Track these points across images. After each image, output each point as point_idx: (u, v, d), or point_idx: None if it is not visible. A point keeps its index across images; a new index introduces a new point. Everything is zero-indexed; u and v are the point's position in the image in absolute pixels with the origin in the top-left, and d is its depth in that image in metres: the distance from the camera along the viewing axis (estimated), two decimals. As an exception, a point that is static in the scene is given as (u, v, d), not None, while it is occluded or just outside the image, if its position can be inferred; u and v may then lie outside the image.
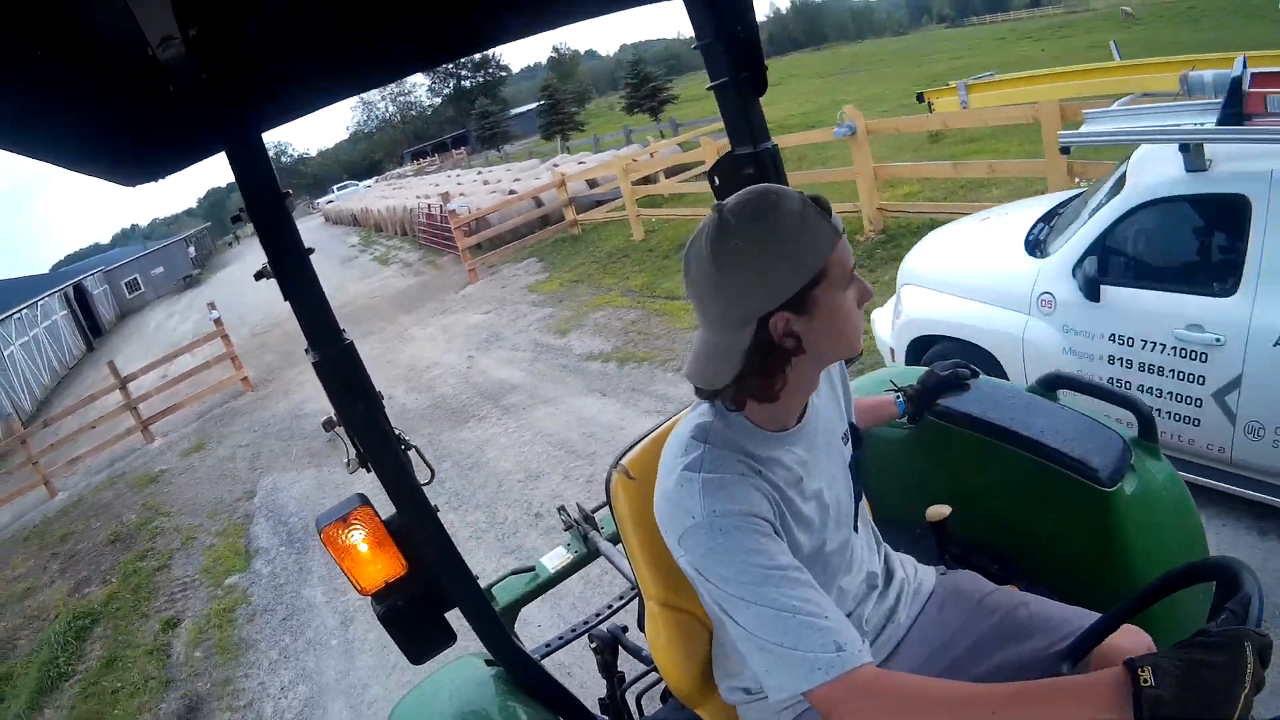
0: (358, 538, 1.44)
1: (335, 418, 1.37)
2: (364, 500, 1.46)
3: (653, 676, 2.03)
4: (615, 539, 2.25)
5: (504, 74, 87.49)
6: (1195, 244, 2.99)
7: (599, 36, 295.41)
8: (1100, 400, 1.73)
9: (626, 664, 1.96)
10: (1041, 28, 48.37)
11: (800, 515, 1.17)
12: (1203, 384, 2.89)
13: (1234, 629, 0.78)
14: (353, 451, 1.40)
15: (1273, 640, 0.76)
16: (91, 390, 13.39)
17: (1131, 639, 1.21)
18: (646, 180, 12.75)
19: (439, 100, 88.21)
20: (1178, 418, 3.01)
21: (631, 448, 1.46)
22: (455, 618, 1.56)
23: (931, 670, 1.29)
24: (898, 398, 1.77)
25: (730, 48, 1.64)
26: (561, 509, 2.50)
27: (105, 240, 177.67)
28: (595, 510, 2.44)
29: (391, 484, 1.41)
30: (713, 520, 1.05)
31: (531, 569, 2.35)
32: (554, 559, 2.37)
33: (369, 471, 1.39)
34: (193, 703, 4.25)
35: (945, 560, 1.63)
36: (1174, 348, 2.94)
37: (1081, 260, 3.11)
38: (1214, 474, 2.99)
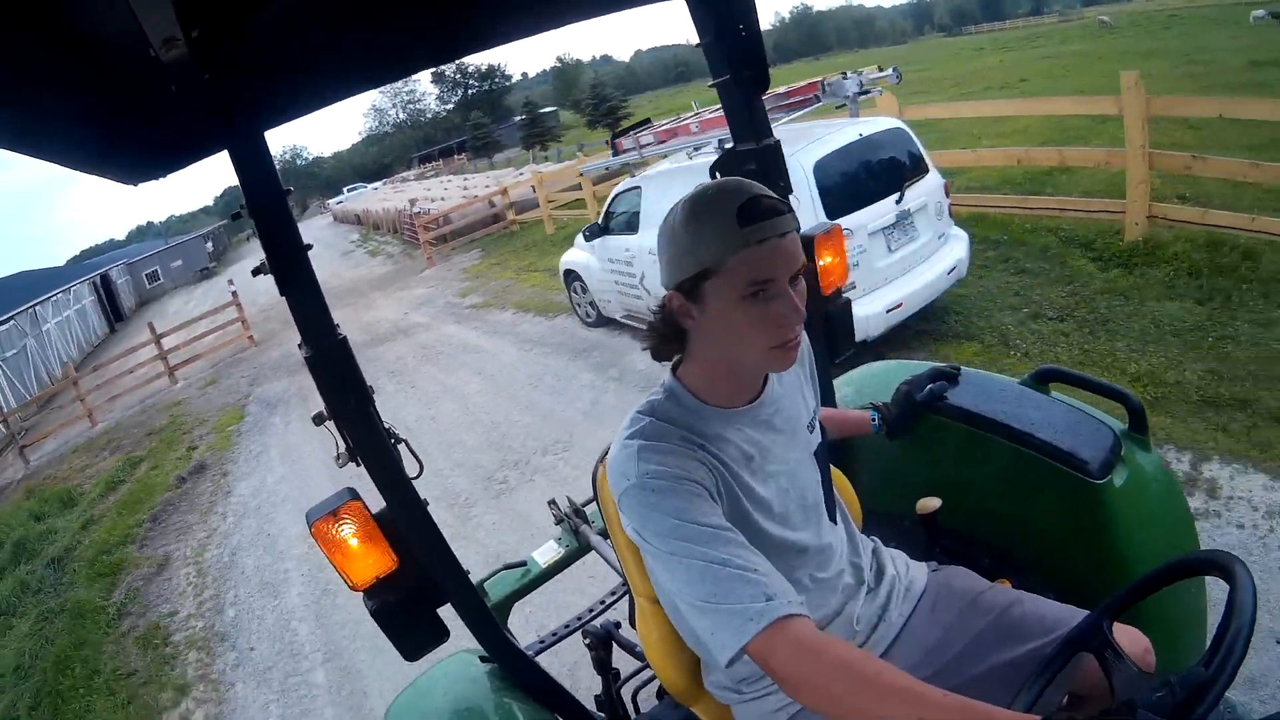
0: (348, 532, 1.42)
1: (326, 412, 1.36)
2: (354, 494, 1.44)
3: (648, 673, 2.01)
4: (606, 533, 2.19)
5: (508, 83, 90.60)
6: (635, 214, 6.19)
7: (614, 41, 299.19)
8: (1092, 393, 1.72)
9: (622, 661, 2.00)
10: (1020, 38, 50.86)
11: (755, 495, 1.20)
12: (640, 280, 6.24)
13: (1157, 706, 0.77)
14: (342, 445, 1.38)
15: None
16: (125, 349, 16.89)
17: (1129, 639, 1.18)
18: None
19: (449, 107, 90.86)
20: (634, 295, 6.43)
21: None
22: (450, 615, 1.55)
23: (926, 671, 1.26)
24: (874, 418, 1.74)
25: (732, 46, 1.66)
26: (552, 502, 2.50)
27: (121, 236, 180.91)
28: (585, 504, 2.43)
29: (381, 478, 1.40)
30: (644, 481, 1.08)
31: (523, 564, 2.34)
32: (545, 554, 2.36)
33: (358, 466, 1.38)
34: (201, 465, 7.93)
35: (935, 554, 1.63)
36: (624, 262, 6.35)
37: (594, 224, 6.72)
38: (641, 322, 6.68)
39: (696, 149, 5.43)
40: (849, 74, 5.29)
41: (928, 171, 5.02)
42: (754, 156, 1.74)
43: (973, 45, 51.67)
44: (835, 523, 1.37)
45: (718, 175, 1.66)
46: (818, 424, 1.38)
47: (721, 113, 5.67)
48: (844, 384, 2.13)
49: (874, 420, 1.74)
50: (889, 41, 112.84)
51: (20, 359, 23.07)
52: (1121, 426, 1.64)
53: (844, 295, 1.91)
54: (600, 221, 6.86)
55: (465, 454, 5.76)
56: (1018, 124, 10.82)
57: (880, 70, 5.32)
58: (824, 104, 5.36)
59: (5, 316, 23.27)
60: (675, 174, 5.79)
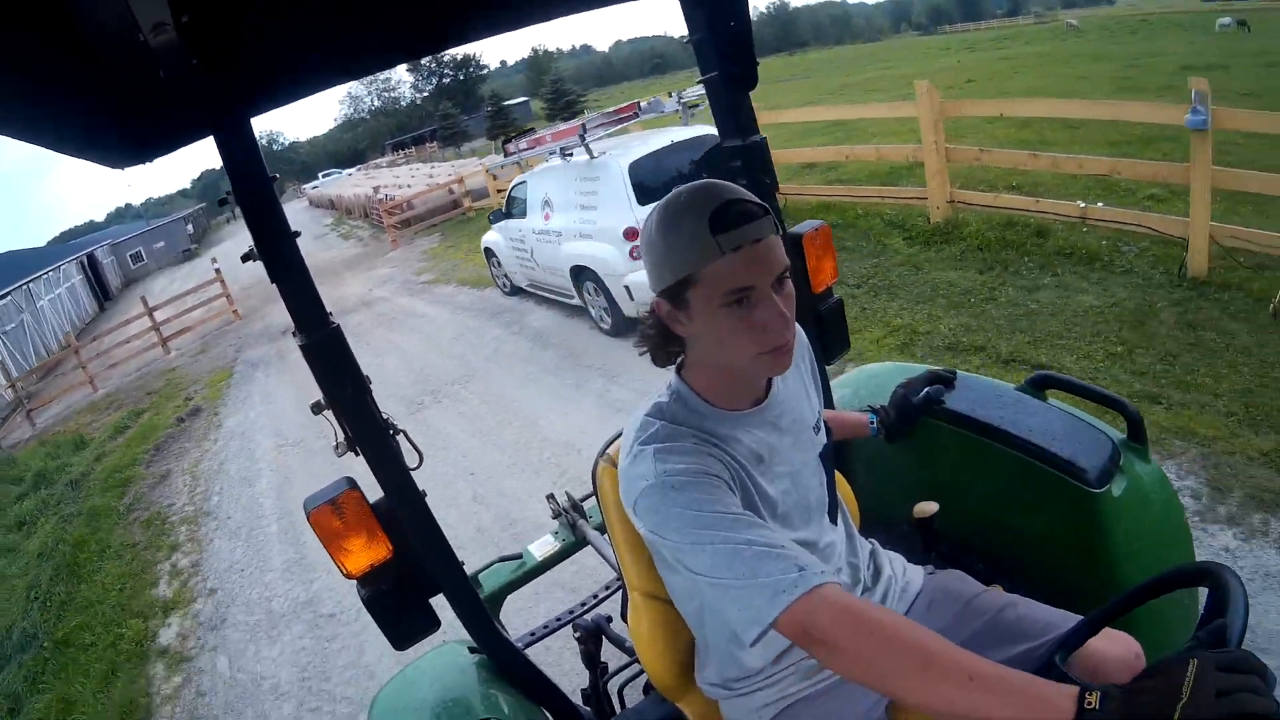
0: (344, 521, 1.44)
1: (324, 401, 1.36)
2: (352, 484, 1.45)
3: (635, 668, 2.01)
4: (603, 528, 2.20)
5: (482, 72, 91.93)
6: (525, 202, 8.04)
7: (594, 32, 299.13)
8: (1090, 401, 1.72)
9: (611, 656, 2.06)
10: (989, 39, 50.14)
11: (766, 496, 1.21)
12: (530, 255, 8.06)
13: (1182, 653, 0.79)
14: (341, 435, 1.40)
15: (1249, 654, 0.75)
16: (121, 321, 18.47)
17: (1118, 644, 1.22)
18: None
19: (423, 95, 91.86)
20: (530, 268, 8.20)
21: (618, 437, 1.41)
22: (442, 606, 1.57)
23: None
24: (872, 420, 1.74)
25: (722, 43, 1.67)
26: (550, 497, 2.53)
27: (100, 218, 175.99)
28: (584, 499, 2.46)
29: (379, 468, 1.42)
30: (664, 479, 1.08)
31: (518, 556, 2.37)
32: (541, 547, 2.39)
33: (357, 455, 1.41)
34: (197, 409, 9.69)
35: (932, 558, 1.64)
36: (520, 241, 8.16)
37: (498, 210, 8.62)
38: (539, 289, 8.40)
39: (551, 154, 7.37)
40: (672, 94, 7.15)
41: None
42: (740, 153, 1.76)
43: (942, 45, 51.96)
44: (836, 523, 1.38)
45: (704, 173, 1.68)
46: (823, 425, 1.39)
47: (568, 125, 7.66)
48: (841, 385, 2.14)
49: (872, 423, 1.74)
50: (864, 39, 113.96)
51: (19, 333, 24.55)
52: (1120, 436, 1.63)
53: (835, 295, 1.92)
54: (504, 208, 8.68)
55: (396, 388, 7.52)
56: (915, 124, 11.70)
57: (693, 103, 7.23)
58: (646, 117, 7.28)
59: (2, 292, 24.73)
60: (547, 171, 7.68)
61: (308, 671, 3.84)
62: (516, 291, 9.42)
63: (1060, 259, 5.64)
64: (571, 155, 6.88)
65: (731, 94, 1.74)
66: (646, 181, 6.34)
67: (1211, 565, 0.93)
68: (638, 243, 2.47)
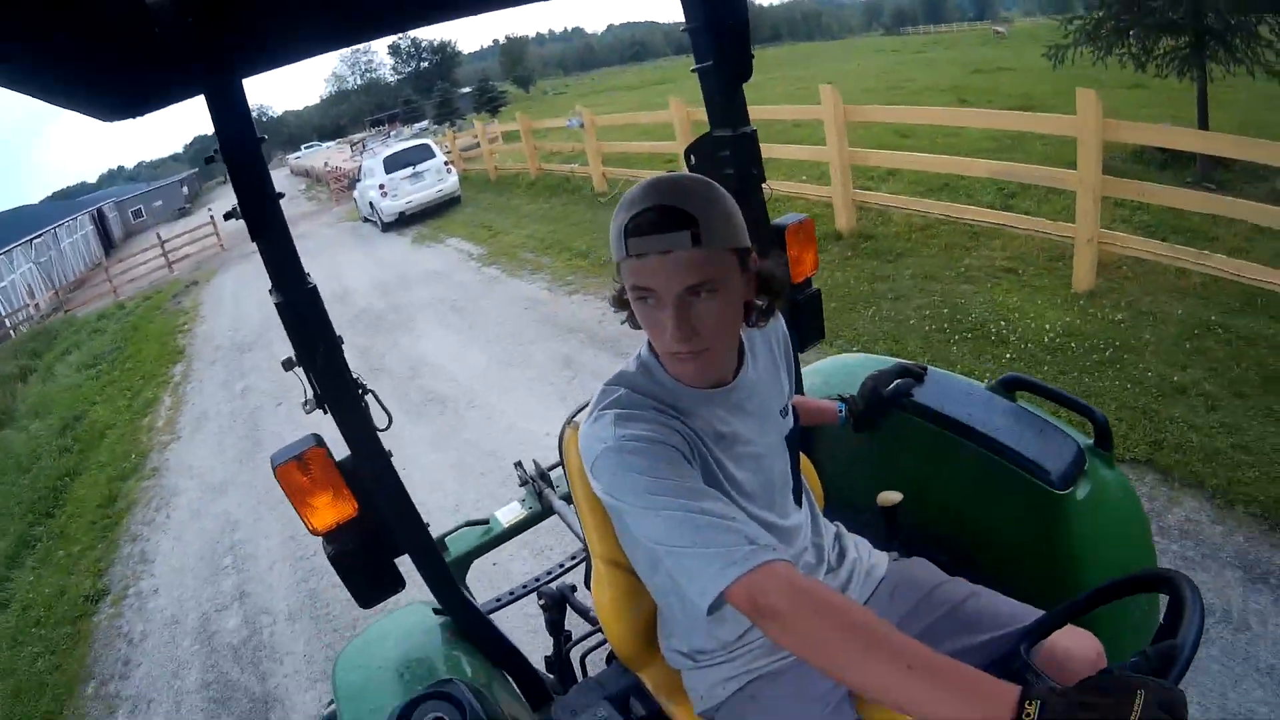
0: (310, 477, 1.45)
1: (294, 358, 1.39)
2: (318, 440, 1.47)
3: (599, 638, 2.03)
4: (569, 498, 2.20)
5: (456, 57, 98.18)
6: (362, 172, 16.14)
7: (587, 15, 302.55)
8: (1058, 405, 1.73)
9: (577, 625, 2.12)
10: (923, 42, 51.30)
11: (730, 475, 1.22)
12: (364, 199, 16.16)
13: (1131, 676, 0.76)
14: (310, 392, 1.42)
15: (1183, 695, 0.74)
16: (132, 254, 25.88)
17: (1080, 642, 1.22)
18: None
19: (401, 77, 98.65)
20: (364, 206, 16.43)
21: (585, 405, 1.36)
22: (408, 568, 1.60)
23: None
24: (841, 410, 1.74)
25: (718, 33, 1.67)
26: (518, 464, 2.56)
27: (92, 180, 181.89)
28: (550, 469, 2.48)
29: (347, 426, 1.43)
30: (622, 444, 1.09)
31: (486, 522, 2.41)
32: (508, 514, 2.43)
33: (326, 413, 1.42)
34: (195, 282, 17.41)
35: (894, 547, 1.63)
36: (361, 193, 16.53)
37: (353, 178, 17.21)
38: (368, 218, 16.58)
39: (362, 151, 15.56)
40: (410, 125, 15.41)
41: (434, 156, 14.76)
42: (729, 144, 1.75)
43: (877, 47, 52.67)
44: (800, 505, 1.39)
45: (692, 158, 1.80)
46: (791, 409, 1.40)
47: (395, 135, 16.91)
48: (812, 374, 2.12)
49: (841, 412, 1.73)
50: (830, 36, 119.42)
51: (49, 265, 32.11)
52: (1086, 441, 1.63)
53: (814, 286, 1.93)
54: (356, 176, 16.37)
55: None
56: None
57: (427, 125, 15.55)
58: (403, 136, 15.57)
59: (39, 232, 32.24)
60: (366, 157, 15.81)
61: (234, 320, 11.58)
62: (366, 220, 16.91)
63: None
64: (363, 151, 14.67)
65: (724, 84, 1.73)
66: (390, 163, 14.48)
67: (1172, 574, 0.95)
68: (386, 188, 11.27)
